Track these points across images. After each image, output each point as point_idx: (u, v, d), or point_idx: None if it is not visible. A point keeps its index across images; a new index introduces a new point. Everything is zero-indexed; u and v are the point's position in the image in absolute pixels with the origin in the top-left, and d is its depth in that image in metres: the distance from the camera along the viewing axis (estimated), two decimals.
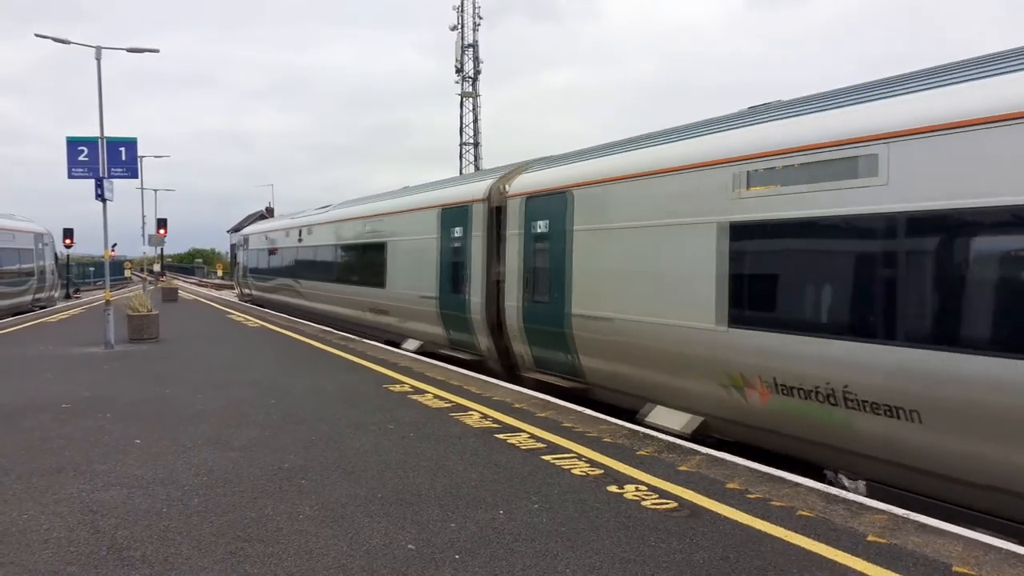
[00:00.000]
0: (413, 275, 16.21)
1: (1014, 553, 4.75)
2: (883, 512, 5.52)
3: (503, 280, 12.60)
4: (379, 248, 18.29)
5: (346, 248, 21.34)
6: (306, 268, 24.97)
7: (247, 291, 35.76)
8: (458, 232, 14.30)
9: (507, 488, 6.12)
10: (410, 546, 4.92)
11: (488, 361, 13.64)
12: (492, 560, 4.68)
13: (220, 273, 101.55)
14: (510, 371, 12.78)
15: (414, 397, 10.12)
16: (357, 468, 6.73)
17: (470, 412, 9.08)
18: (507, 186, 12.90)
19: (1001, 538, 5.06)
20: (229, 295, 51.64)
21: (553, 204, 11.02)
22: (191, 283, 79.82)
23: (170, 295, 37.36)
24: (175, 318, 24.56)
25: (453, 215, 14.58)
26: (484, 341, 13.50)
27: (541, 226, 11.38)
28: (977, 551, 4.78)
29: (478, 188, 13.90)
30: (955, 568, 4.51)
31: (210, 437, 7.95)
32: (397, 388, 10.84)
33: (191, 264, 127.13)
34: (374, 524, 5.32)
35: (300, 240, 25.62)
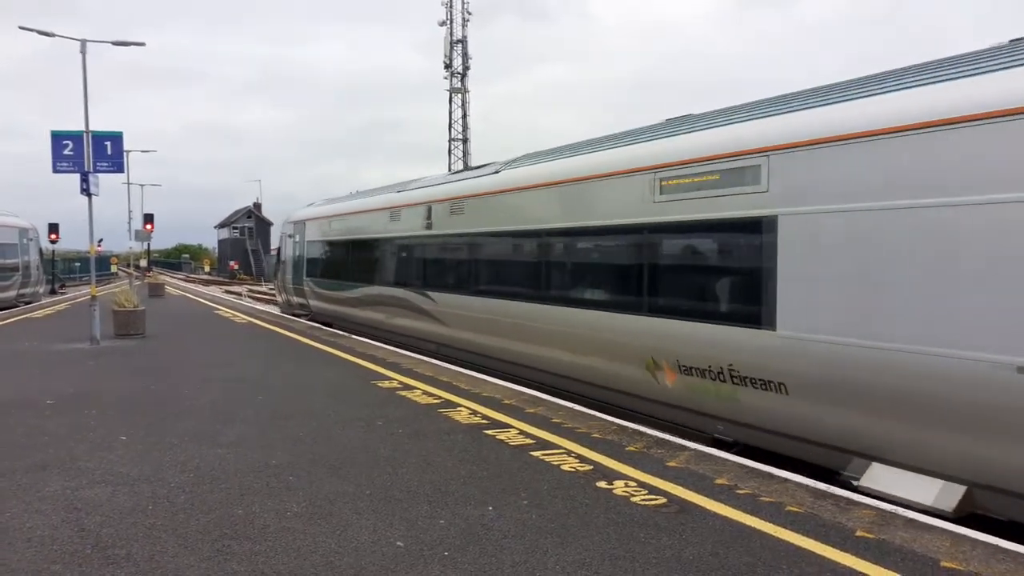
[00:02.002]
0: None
1: (1001, 548, 4.77)
2: (871, 507, 5.54)
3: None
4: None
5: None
6: (444, 270, 14.28)
7: (300, 301, 23.62)
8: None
9: (496, 484, 6.10)
10: (399, 543, 4.89)
11: None
12: (481, 556, 4.66)
13: (207, 269, 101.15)
14: None
15: (403, 393, 10.08)
16: (345, 464, 6.69)
17: (459, 408, 9.05)
18: None
19: (988, 534, 5.08)
20: (217, 291, 51.29)
21: None
22: (178, 279, 79.36)
23: (156, 291, 37.15)
24: (162, 314, 24.40)
25: None
26: None
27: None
28: (964, 546, 4.80)
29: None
30: (943, 563, 4.53)
31: (197, 434, 7.88)
32: (386, 384, 10.79)
33: (178, 260, 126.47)
34: (362, 521, 5.29)
35: (428, 225, 14.68)
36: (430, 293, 14.38)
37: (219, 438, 7.68)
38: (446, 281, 13.98)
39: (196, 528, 5.16)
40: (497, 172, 12.77)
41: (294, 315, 24.15)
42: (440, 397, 9.77)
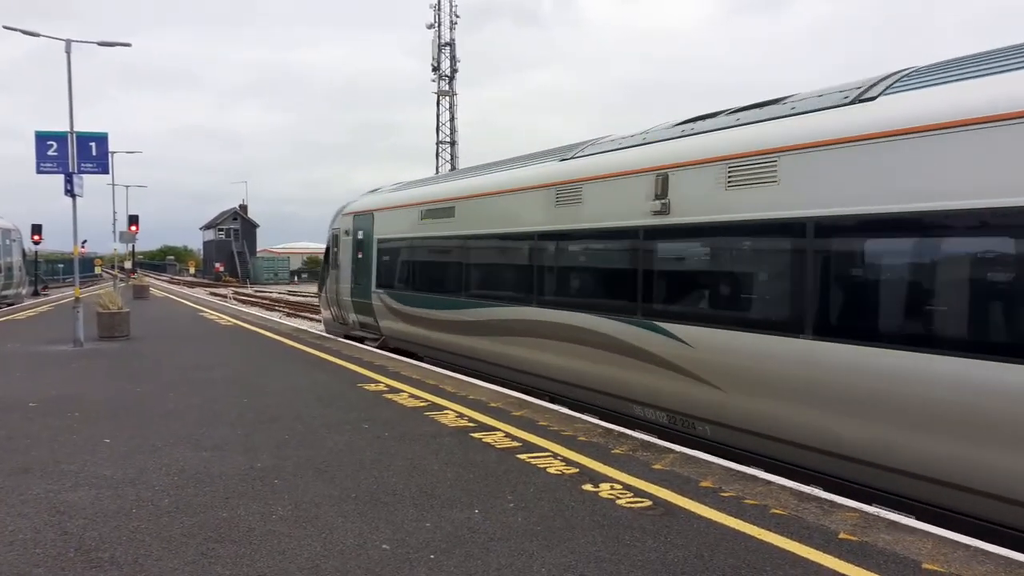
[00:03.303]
0: None
1: (982, 550, 4.82)
2: (855, 510, 5.58)
3: None
4: None
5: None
6: (718, 286, 7.91)
7: (362, 319, 17.08)
8: None
9: (483, 487, 6.10)
10: (384, 546, 4.88)
11: None
12: (467, 560, 4.66)
13: (192, 271, 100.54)
14: None
15: (389, 396, 10.06)
16: (331, 467, 6.67)
17: (446, 411, 9.05)
18: None
19: (969, 536, 5.13)
20: (201, 293, 50.96)
21: None
22: (163, 280, 78.87)
23: (141, 292, 36.90)
24: (146, 316, 24.24)
25: None
26: None
27: None
28: (946, 548, 4.85)
29: None
30: (925, 565, 4.57)
31: (181, 436, 7.84)
32: (372, 387, 10.77)
33: (163, 262, 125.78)
34: (348, 524, 5.28)
35: (666, 209, 8.35)
36: (673, 327, 8.05)
37: (204, 441, 7.64)
38: (724, 307, 7.62)
39: (180, 531, 5.14)
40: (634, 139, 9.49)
41: (350, 338, 17.30)
42: (427, 400, 9.76)
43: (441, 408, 9.24)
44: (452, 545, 4.89)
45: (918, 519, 5.55)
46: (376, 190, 18.42)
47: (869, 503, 5.89)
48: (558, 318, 9.90)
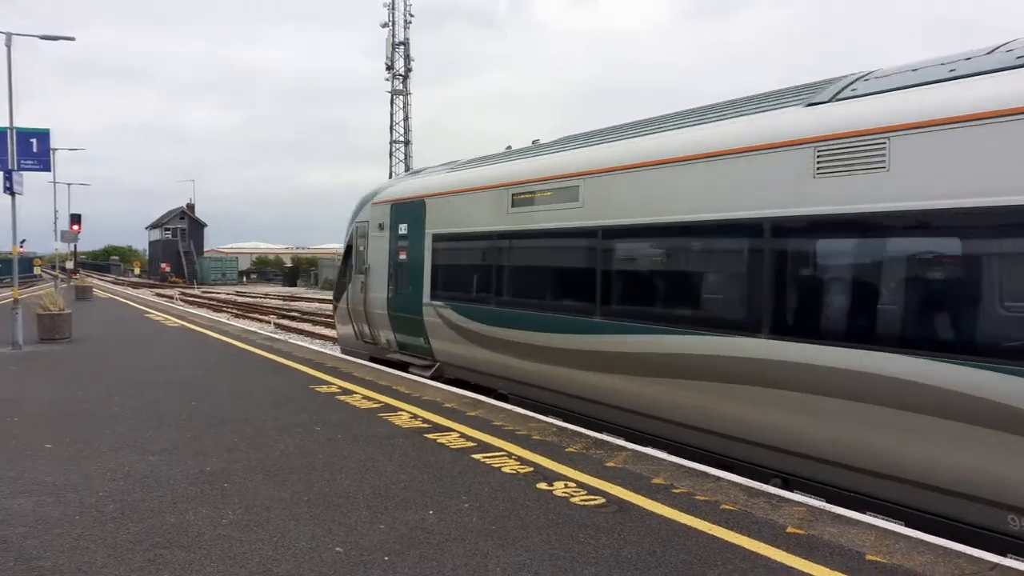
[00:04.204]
0: None
1: (923, 541, 4.98)
2: (802, 504, 5.71)
3: None
4: None
5: None
6: None
7: (405, 339, 12.91)
8: None
9: (437, 488, 6.09)
10: (338, 548, 4.83)
11: None
12: (422, 561, 4.64)
13: (137, 271, 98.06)
14: None
15: (342, 398, 9.96)
16: (283, 470, 6.58)
17: (399, 412, 9.00)
18: None
19: (911, 527, 5.30)
20: (147, 294, 49.74)
21: None
22: (106, 281, 76.73)
23: (84, 293, 35.87)
24: (89, 317, 23.58)
25: None
26: None
27: None
28: (888, 540, 5.00)
29: None
30: (868, 557, 4.71)
31: (127, 440, 7.64)
32: (324, 389, 10.65)
33: (106, 262, 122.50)
34: (300, 527, 5.21)
35: None
36: None
37: (151, 445, 7.46)
38: None
39: (127, 538, 5.01)
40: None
41: (381, 362, 13.30)
42: (380, 401, 9.69)
43: (395, 409, 9.18)
44: (406, 546, 4.86)
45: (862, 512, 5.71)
46: (419, 171, 14.88)
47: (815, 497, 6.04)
48: (851, 362, 5.94)
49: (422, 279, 12.07)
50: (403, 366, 12.76)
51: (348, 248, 15.10)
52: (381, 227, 13.63)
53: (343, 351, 15.58)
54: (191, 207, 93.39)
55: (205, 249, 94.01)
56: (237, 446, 7.41)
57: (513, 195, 10.20)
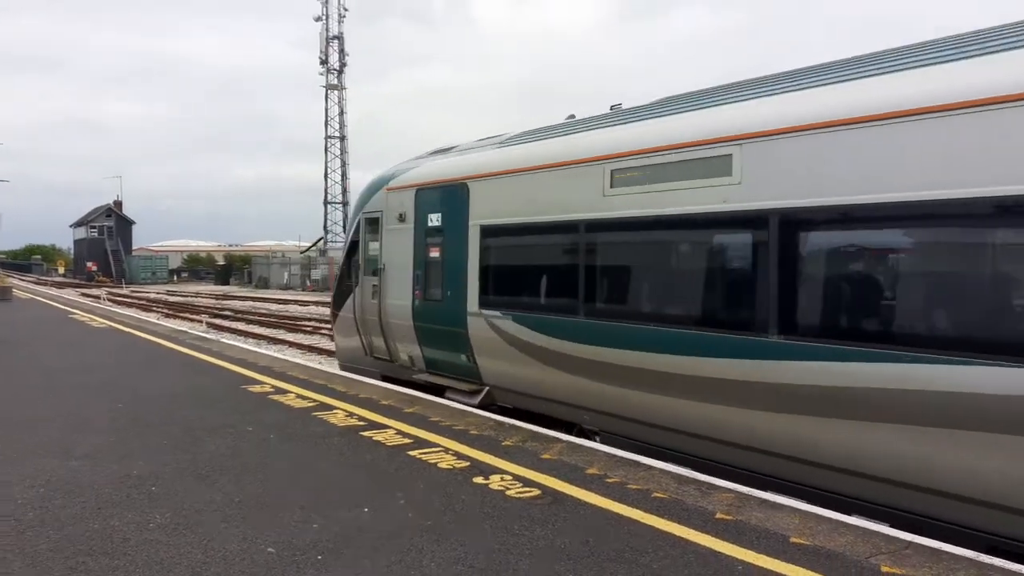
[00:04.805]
0: None
1: (843, 523, 5.18)
2: (730, 491, 5.87)
3: None
4: None
5: None
6: None
7: (436, 356, 10.33)
8: None
9: (372, 486, 6.05)
10: (270, 549, 4.76)
11: None
12: (356, 559, 4.61)
13: (61, 270, 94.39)
14: None
15: (275, 397, 9.79)
16: (213, 472, 6.44)
17: (335, 411, 8.90)
18: None
19: (832, 510, 5.50)
20: (72, 294, 47.89)
21: None
22: (28, 281, 73.63)
23: (3, 294, 34.39)
24: (7, 318, 22.61)
25: None
26: None
27: None
28: (812, 522, 5.18)
29: None
30: (792, 539, 4.87)
31: (48, 445, 7.36)
32: (257, 388, 10.45)
33: (28, 261, 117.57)
34: (231, 530, 5.11)
35: None
36: None
37: (73, 449, 7.20)
38: None
39: (47, 546, 4.83)
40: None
41: (397, 382, 11.02)
42: (315, 400, 9.56)
43: (330, 408, 9.07)
44: (340, 545, 4.82)
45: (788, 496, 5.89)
46: (447, 149, 11.38)
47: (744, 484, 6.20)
48: None
49: (464, 282, 9.52)
50: (432, 389, 10.23)
51: (353, 245, 12.29)
52: (401, 218, 10.98)
53: (343, 367, 12.76)
54: (118, 204, 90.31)
55: (134, 247, 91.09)
56: (166, 448, 7.22)
57: (614, 172, 7.60)
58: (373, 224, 11.77)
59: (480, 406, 9.22)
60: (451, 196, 10.02)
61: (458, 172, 10.08)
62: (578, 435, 8.00)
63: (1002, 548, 4.81)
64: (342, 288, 12.71)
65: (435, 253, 10.28)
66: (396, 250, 11.08)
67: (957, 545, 4.76)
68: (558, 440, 7.47)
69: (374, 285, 11.52)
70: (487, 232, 9.34)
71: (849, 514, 5.47)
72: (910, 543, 4.79)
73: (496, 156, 9.64)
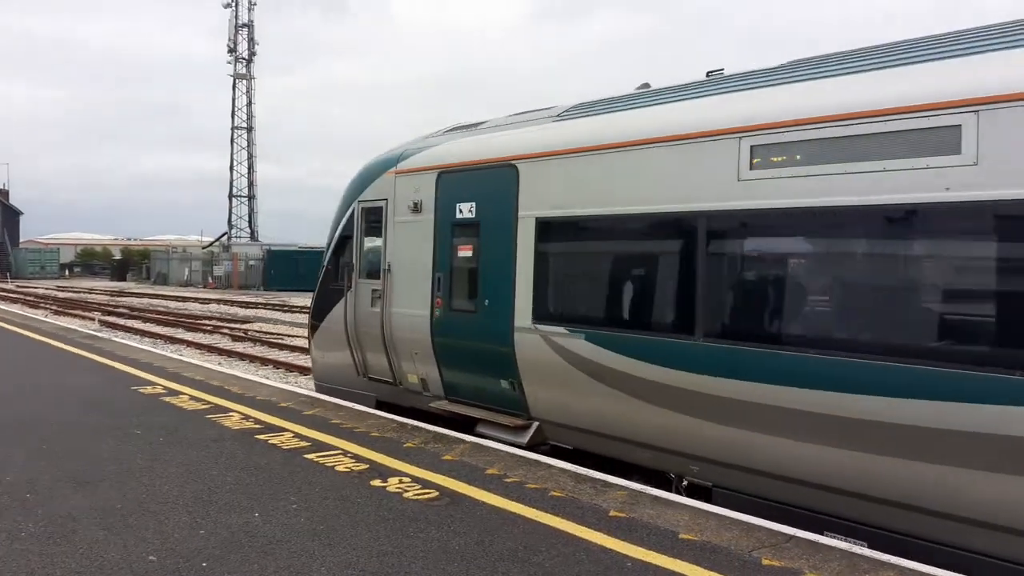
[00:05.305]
0: None
1: (730, 518, 5.37)
2: (624, 488, 6.00)
3: None
4: None
5: None
6: None
7: (455, 380, 8.40)
8: None
9: (265, 490, 5.88)
10: (151, 557, 4.56)
11: None
12: (243, 564, 4.47)
13: None
14: None
15: (167, 399, 9.41)
16: (94, 478, 6.12)
17: (230, 413, 8.61)
18: None
19: (720, 507, 5.70)
20: None
21: None
22: None
23: None
24: None
25: None
26: None
27: None
28: (701, 519, 5.35)
29: None
30: (682, 535, 5.02)
31: None
32: (148, 390, 10.02)
33: None
34: (111, 538, 4.87)
35: None
36: None
37: None
38: None
39: None
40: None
41: (403, 412, 8.89)
42: (209, 402, 9.23)
43: (225, 410, 8.78)
44: (227, 551, 4.67)
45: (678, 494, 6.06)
46: (476, 124, 9.18)
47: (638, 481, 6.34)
48: None
49: (509, 289, 7.60)
50: (450, 422, 8.31)
51: (342, 240, 10.12)
52: (415, 207, 8.88)
53: (321, 388, 10.51)
54: (5, 193, 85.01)
55: (21, 240, 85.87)
56: (44, 453, 6.83)
57: (756, 149, 5.80)
58: (374, 215, 9.64)
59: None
60: (491, 181, 8.06)
61: (500, 151, 8.07)
62: (676, 491, 6.24)
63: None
64: (326, 292, 10.38)
65: (466, 252, 8.33)
66: (408, 248, 8.99)
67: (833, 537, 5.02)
68: (461, 441, 7.46)
69: (374, 290, 9.38)
70: (548, 227, 7.38)
71: None
72: (791, 536, 5.01)
73: (558, 131, 7.68)
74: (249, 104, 68.45)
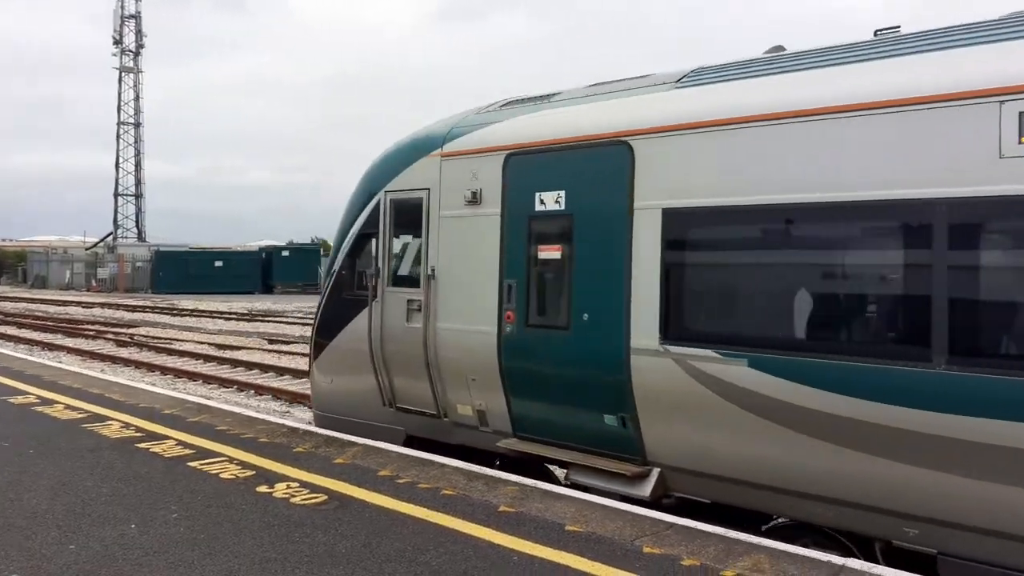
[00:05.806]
0: None
1: (615, 509, 5.53)
2: (515, 484, 6.08)
3: None
4: None
5: None
6: None
7: (533, 415, 6.61)
8: None
9: (144, 500, 5.65)
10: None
11: None
12: None
13: None
14: None
15: (40, 408, 8.88)
16: None
17: (109, 422, 8.22)
18: None
19: (607, 499, 5.85)
20: None
21: None
22: None
23: None
24: None
25: None
26: None
27: None
28: (587, 511, 5.48)
29: None
30: (568, 527, 5.13)
31: None
32: (20, 399, 9.43)
33: None
34: None
35: None
36: None
37: None
38: None
39: None
40: None
41: (452, 450, 7.17)
42: (87, 411, 8.77)
43: (104, 419, 8.37)
44: (99, 566, 4.47)
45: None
46: (547, 96, 7.33)
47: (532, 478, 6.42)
48: None
49: (621, 300, 5.99)
50: (513, 463, 6.98)
51: (360, 239, 8.21)
52: (473, 199, 7.10)
53: (322, 423, 8.39)
54: None
55: None
56: None
57: None
58: (408, 209, 7.77)
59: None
60: (589, 164, 6.43)
61: (602, 125, 6.41)
62: (885, 561, 4.96)
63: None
64: (337, 304, 8.34)
65: (551, 253, 6.67)
66: (461, 249, 7.29)
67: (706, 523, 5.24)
68: (354, 444, 7.36)
69: (411, 300, 7.58)
70: (688, 220, 5.79)
71: None
72: (672, 524, 5.21)
73: (696, 98, 6.01)
74: (137, 99, 65.39)
